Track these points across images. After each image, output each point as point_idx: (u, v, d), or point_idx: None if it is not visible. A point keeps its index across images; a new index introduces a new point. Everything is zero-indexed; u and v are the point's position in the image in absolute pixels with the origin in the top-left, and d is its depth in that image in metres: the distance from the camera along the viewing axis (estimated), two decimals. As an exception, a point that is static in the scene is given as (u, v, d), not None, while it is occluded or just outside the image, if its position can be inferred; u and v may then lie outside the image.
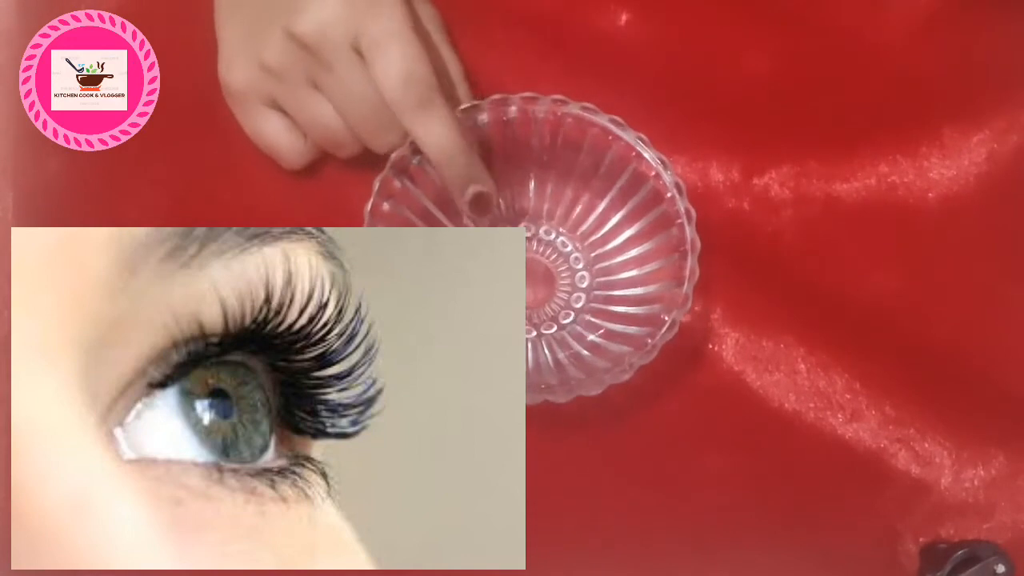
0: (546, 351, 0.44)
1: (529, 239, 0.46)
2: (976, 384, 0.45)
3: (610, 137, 0.43)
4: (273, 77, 0.42)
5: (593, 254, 0.46)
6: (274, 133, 0.44)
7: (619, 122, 0.43)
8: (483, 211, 0.43)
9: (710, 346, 0.44)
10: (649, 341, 0.40)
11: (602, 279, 0.45)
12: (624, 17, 0.49)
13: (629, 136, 0.42)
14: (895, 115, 0.48)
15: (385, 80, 0.39)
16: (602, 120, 0.43)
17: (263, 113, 0.44)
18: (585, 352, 0.43)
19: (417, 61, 0.39)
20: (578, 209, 0.46)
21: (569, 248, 0.46)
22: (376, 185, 0.42)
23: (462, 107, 0.43)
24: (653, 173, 0.42)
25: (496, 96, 0.43)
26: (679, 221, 0.41)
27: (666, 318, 0.40)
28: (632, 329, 0.42)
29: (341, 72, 0.40)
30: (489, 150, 0.44)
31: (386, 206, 0.42)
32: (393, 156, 0.42)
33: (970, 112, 0.47)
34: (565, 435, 0.43)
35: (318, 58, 0.40)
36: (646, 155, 0.42)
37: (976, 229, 0.47)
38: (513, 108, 0.43)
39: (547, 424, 0.42)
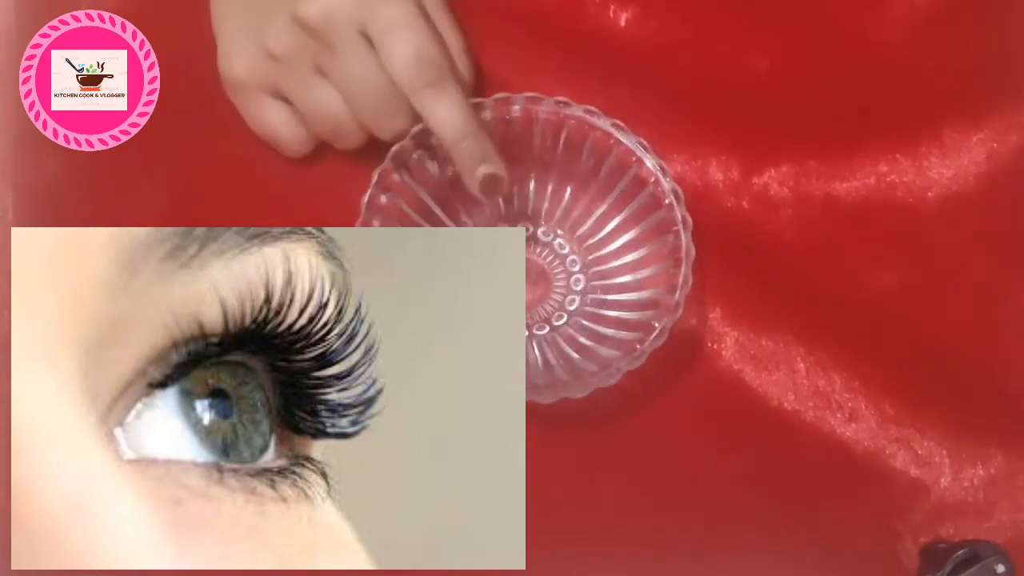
0: (536, 352, 0.44)
1: (527, 240, 0.46)
2: (976, 384, 0.45)
3: (611, 141, 0.43)
4: (277, 64, 0.42)
5: (590, 257, 0.46)
6: (276, 123, 0.44)
7: (621, 126, 0.43)
8: (494, 193, 0.42)
9: (710, 345, 0.44)
10: (638, 347, 0.40)
11: (597, 283, 0.45)
12: (625, 16, 0.49)
13: (630, 141, 0.42)
14: (895, 115, 0.48)
15: (397, 62, 0.39)
16: (604, 124, 0.43)
17: (264, 102, 0.44)
18: (575, 355, 0.43)
19: (429, 43, 0.40)
20: (577, 212, 0.46)
21: (567, 250, 0.46)
22: (374, 177, 0.42)
23: None
24: (652, 179, 0.42)
25: (500, 95, 0.43)
26: (675, 228, 0.41)
27: (656, 325, 0.40)
28: (623, 334, 0.42)
29: (347, 56, 0.40)
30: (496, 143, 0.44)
31: (383, 199, 0.42)
32: (393, 149, 0.42)
33: (970, 112, 0.47)
34: (565, 435, 0.43)
35: (324, 42, 0.40)
36: (646, 161, 0.42)
37: (975, 228, 0.47)
38: (516, 107, 0.43)
39: (547, 424, 0.42)
